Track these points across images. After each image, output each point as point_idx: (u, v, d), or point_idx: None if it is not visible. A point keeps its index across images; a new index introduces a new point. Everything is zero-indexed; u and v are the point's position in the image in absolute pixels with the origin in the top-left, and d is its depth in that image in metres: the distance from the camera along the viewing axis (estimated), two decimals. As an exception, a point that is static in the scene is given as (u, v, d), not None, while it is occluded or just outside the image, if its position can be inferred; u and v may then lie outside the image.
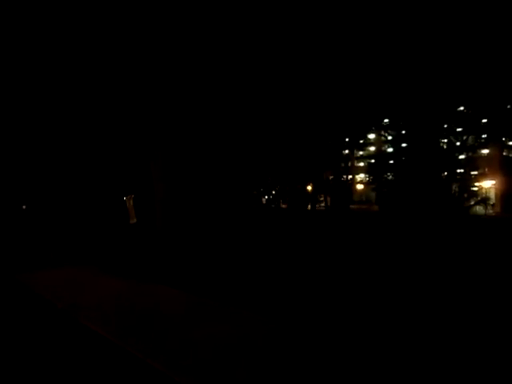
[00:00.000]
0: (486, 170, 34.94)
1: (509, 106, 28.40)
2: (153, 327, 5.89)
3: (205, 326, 5.85)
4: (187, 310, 6.77)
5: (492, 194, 36.38)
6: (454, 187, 30.26)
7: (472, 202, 30.06)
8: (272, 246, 14.70)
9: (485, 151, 34.36)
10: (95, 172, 17.53)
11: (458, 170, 31.36)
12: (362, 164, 50.98)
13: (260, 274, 9.88)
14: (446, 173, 29.74)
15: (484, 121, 29.91)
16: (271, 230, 20.50)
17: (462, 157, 32.02)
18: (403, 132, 32.13)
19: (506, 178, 33.26)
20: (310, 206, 43.75)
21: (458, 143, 31.25)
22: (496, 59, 23.00)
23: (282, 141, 30.66)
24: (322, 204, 45.14)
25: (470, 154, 32.21)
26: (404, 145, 32.27)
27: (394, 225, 23.74)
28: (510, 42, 21.89)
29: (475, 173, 33.37)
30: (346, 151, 45.29)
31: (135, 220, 12.55)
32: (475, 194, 32.01)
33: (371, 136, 45.13)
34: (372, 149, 48.09)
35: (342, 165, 44.26)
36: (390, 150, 36.97)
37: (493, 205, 35.37)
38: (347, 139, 40.32)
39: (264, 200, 46.71)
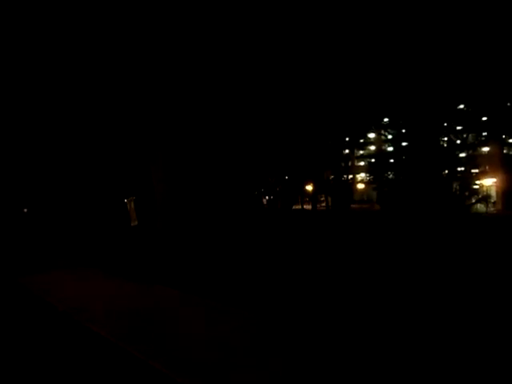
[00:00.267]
0: (487, 167, 34.94)
1: (509, 104, 28.38)
2: (154, 328, 5.90)
3: (206, 327, 5.86)
4: (188, 311, 6.78)
5: (493, 192, 36.36)
6: (455, 185, 30.22)
7: (473, 200, 30.02)
8: (273, 247, 14.70)
9: (485, 149, 34.35)
10: (96, 175, 17.55)
11: (459, 169, 31.33)
12: (362, 163, 51.01)
13: (260, 274, 9.89)
14: (446, 171, 29.71)
15: (484, 119, 29.89)
16: (272, 231, 20.51)
17: (462, 155, 31.98)
18: (403, 131, 32.12)
19: (507, 176, 33.25)
20: (308, 206, 43.74)
21: (459, 141, 31.22)
22: (496, 57, 22.99)
23: (282, 141, 30.65)
24: (323, 204, 45.15)
25: (470, 152, 32.17)
26: (404, 144, 32.26)
27: (395, 224, 23.73)
28: (509, 40, 21.87)
29: (476, 171, 33.36)
30: (347, 151, 45.32)
31: (136, 222, 12.57)
32: (476, 192, 31.98)
33: (371, 135, 45.15)
34: (372, 148, 48.11)
35: (343, 164, 44.25)
36: (391, 148, 36.97)
37: (494, 203, 35.36)
38: (347, 138, 40.35)
39: (265, 200, 46.71)
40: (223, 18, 12.77)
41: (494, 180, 35.78)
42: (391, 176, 34.80)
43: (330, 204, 42.88)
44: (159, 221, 12.54)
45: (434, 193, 26.69)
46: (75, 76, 14.21)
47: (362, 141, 45.08)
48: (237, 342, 5.25)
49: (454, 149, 30.91)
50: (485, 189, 35.14)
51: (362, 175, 51.86)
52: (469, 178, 31.67)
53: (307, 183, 44.27)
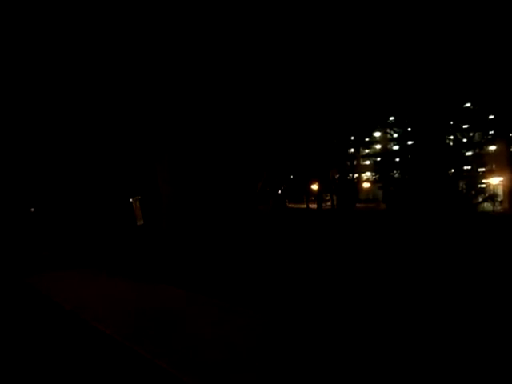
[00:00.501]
0: (494, 166, 34.68)
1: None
2: (160, 328, 5.93)
3: (212, 326, 5.88)
4: (194, 310, 6.80)
5: (500, 191, 36.09)
6: (462, 184, 30.03)
7: (480, 199, 29.81)
8: (278, 246, 14.71)
9: (492, 148, 34.09)
10: (102, 174, 17.63)
11: (465, 167, 31.13)
12: (368, 162, 50.84)
13: (266, 273, 9.90)
14: (452, 170, 29.53)
15: (491, 117, 29.66)
16: (277, 230, 20.51)
17: (468, 153, 31.77)
18: (409, 129, 31.96)
19: (514, 175, 32.97)
20: (313, 205, 43.64)
21: (465, 140, 31.00)
22: (502, 55, 22.81)
23: (287, 140, 30.62)
24: (329, 203, 45.08)
25: (477, 150, 31.96)
26: (410, 142, 32.10)
27: (401, 223, 23.63)
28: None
29: (482, 169, 33.14)
30: (352, 149, 45.18)
31: (142, 221, 12.61)
32: (483, 190, 31.78)
33: (377, 134, 44.99)
34: (378, 147, 47.93)
35: (348, 163, 44.12)
36: (396, 147, 36.80)
37: (501, 201, 35.10)
38: (353, 137, 40.20)
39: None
40: (228, 21, 12.78)
41: (501, 179, 35.49)
42: (397, 175, 34.66)
43: (335, 203, 42.78)
44: (164, 220, 12.57)
45: (440, 192, 26.54)
46: (81, 76, 14.28)
47: (367, 140, 44.95)
48: (242, 341, 5.26)
49: (461, 147, 30.70)
50: (491, 188, 34.91)
51: (367, 174, 51.68)
52: (475, 177, 31.46)
53: (312, 182, 44.21)
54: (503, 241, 14.80)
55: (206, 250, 12.74)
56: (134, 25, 11.87)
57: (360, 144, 44.98)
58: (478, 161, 31.71)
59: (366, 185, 52.97)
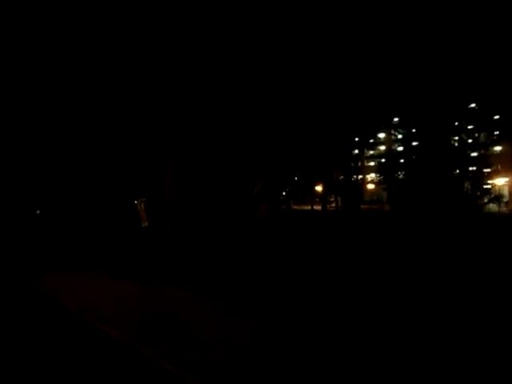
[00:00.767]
0: (499, 167, 34.45)
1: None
2: (165, 329, 5.95)
3: (217, 328, 5.89)
4: (199, 312, 6.81)
5: (505, 192, 35.84)
6: (467, 185, 29.85)
7: (485, 200, 29.61)
8: (281, 248, 14.69)
9: (497, 148, 33.88)
10: (107, 176, 17.71)
11: (470, 168, 30.93)
12: (372, 163, 50.70)
13: (270, 275, 9.90)
14: (457, 171, 29.36)
15: (496, 117, 29.48)
16: (282, 232, 20.48)
17: (474, 154, 31.57)
18: (413, 130, 31.83)
19: (520, 175, 32.77)
20: (318, 207, 43.54)
21: (470, 140, 30.82)
22: (507, 55, 22.69)
23: (291, 141, 30.61)
24: (333, 204, 44.97)
25: (482, 151, 31.75)
26: (414, 143, 31.96)
27: (406, 224, 23.54)
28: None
29: (488, 170, 32.92)
30: (356, 151, 45.07)
31: (147, 223, 12.67)
32: (488, 191, 31.56)
33: (381, 135, 44.84)
34: (382, 148, 47.77)
35: (352, 165, 44.02)
36: (401, 148, 36.66)
37: (506, 202, 34.83)
38: (357, 139, 40.08)
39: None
40: (233, 22, 12.82)
41: (507, 179, 35.27)
42: (401, 176, 34.51)
43: (339, 204, 42.66)
44: (169, 222, 12.62)
45: (445, 193, 26.41)
46: (87, 79, 14.37)
47: (371, 141, 44.79)
48: (247, 342, 5.26)
49: (466, 148, 30.52)
50: (497, 188, 34.66)
51: (371, 175, 51.51)
52: (481, 178, 31.27)
53: (317, 184, 44.12)
54: (509, 242, 14.69)
55: (211, 251, 12.75)
56: (140, 27, 11.94)
57: (364, 145, 44.84)
58: (483, 161, 31.49)
59: (371, 186, 52.78)
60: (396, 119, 33.99)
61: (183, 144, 13.18)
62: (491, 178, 33.71)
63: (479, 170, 31.53)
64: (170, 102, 12.68)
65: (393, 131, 36.77)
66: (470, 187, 29.76)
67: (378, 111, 30.88)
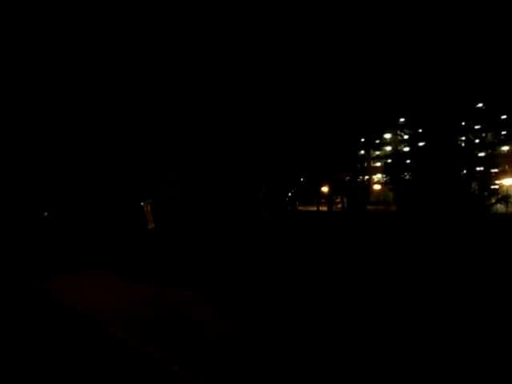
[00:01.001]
0: (507, 167, 34.19)
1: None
2: (172, 330, 5.96)
3: (223, 329, 5.89)
4: (205, 313, 6.82)
5: (513, 192, 35.54)
6: (474, 186, 29.64)
7: (493, 201, 29.39)
8: (287, 249, 14.68)
9: (505, 148, 33.62)
10: (113, 178, 17.80)
11: (478, 168, 30.72)
12: (378, 164, 50.57)
13: (276, 276, 9.89)
14: (464, 171, 29.16)
15: (503, 117, 29.26)
16: (287, 233, 20.47)
17: (481, 154, 31.35)
18: (420, 131, 31.66)
19: (528, 175, 32.48)
20: (324, 208, 43.47)
21: (477, 140, 30.60)
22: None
23: (297, 143, 30.59)
24: (339, 205, 44.89)
25: (489, 151, 31.51)
26: (421, 144, 31.79)
27: (412, 225, 23.43)
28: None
29: (495, 170, 32.68)
30: (362, 151, 44.96)
31: (153, 225, 12.70)
32: (496, 192, 31.30)
33: (387, 136, 44.70)
34: (388, 148, 47.64)
35: (358, 165, 43.92)
36: (407, 149, 36.50)
37: (514, 203, 34.52)
38: (363, 139, 39.98)
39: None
40: (238, 23, 12.85)
41: (515, 180, 35.00)
42: (408, 177, 34.35)
43: (345, 205, 42.57)
44: (175, 223, 12.65)
45: (452, 193, 26.24)
46: (95, 82, 14.46)
47: (377, 141, 44.64)
48: (254, 343, 5.26)
49: (473, 148, 30.30)
50: (505, 189, 34.37)
51: (378, 176, 51.37)
52: (488, 178, 31.03)
53: (323, 185, 44.06)
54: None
55: (216, 252, 12.77)
56: (146, 29, 12.00)
57: (370, 146, 44.69)
58: (490, 162, 31.26)
59: (377, 187, 52.64)
60: (402, 119, 33.84)
61: (189, 146, 13.22)
62: (499, 179, 33.45)
63: (486, 170, 31.30)
64: (176, 105, 12.73)
65: (399, 132, 36.61)
66: (477, 187, 29.55)
67: (384, 111, 30.78)
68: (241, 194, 16.53)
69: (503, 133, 30.71)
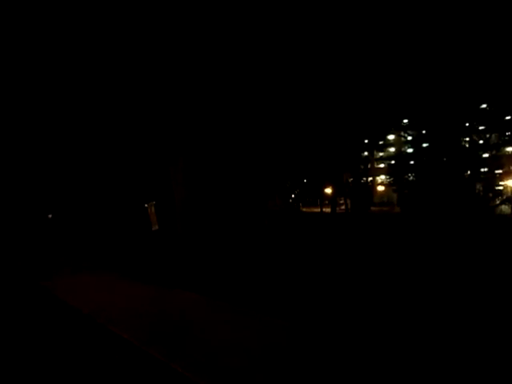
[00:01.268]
0: (511, 168, 34.00)
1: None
2: (176, 332, 5.98)
3: (227, 330, 5.90)
4: (209, 314, 6.83)
5: (518, 193, 35.35)
6: (478, 187, 29.52)
7: (497, 202, 29.25)
8: (290, 251, 14.68)
9: (509, 149, 33.45)
10: (118, 181, 17.88)
11: (482, 169, 30.58)
12: (382, 165, 50.44)
13: (280, 278, 9.89)
14: (469, 172, 29.04)
15: (508, 118, 29.13)
16: (290, 235, 20.46)
17: (485, 155, 31.21)
18: (423, 132, 31.56)
19: (533, 176, 32.31)
20: (327, 209, 43.43)
21: (481, 141, 30.47)
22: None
23: (301, 144, 30.58)
24: (343, 207, 44.82)
25: (493, 152, 31.36)
26: (425, 145, 31.69)
27: (416, 226, 23.35)
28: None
29: (500, 171, 32.52)
30: (366, 153, 44.85)
31: (157, 227, 12.73)
32: (500, 193, 31.18)
33: (391, 137, 44.59)
34: (392, 150, 47.53)
35: (362, 166, 43.82)
36: (411, 150, 36.41)
37: (519, 204, 34.33)
38: (366, 141, 39.90)
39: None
40: (241, 23, 12.87)
41: (519, 181, 34.78)
42: (412, 178, 34.26)
43: (349, 207, 42.49)
44: (179, 225, 12.67)
45: (457, 194, 26.14)
46: (100, 85, 14.52)
47: (381, 143, 44.53)
48: (257, 345, 5.27)
49: (477, 149, 30.17)
50: (509, 190, 34.22)
51: (381, 177, 51.27)
52: (492, 179, 30.89)
53: (326, 186, 44.00)
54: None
55: (220, 254, 12.78)
56: (150, 30, 12.04)
57: (374, 147, 44.55)
58: (494, 163, 31.10)
59: (381, 188, 52.53)
60: (406, 120, 33.75)
61: (193, 147, 13.25)
62: (503, 180, 33.28)
63: (491, 171, 31.15)
64: (181, 106, 12.76)
65: (403, 133, 36.50)
66: (481, 189, 29.43)
67: (388, 113, 30.70)
68: (244, 195, 16.55)
69: (507, 133, 30.58)
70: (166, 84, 12.57)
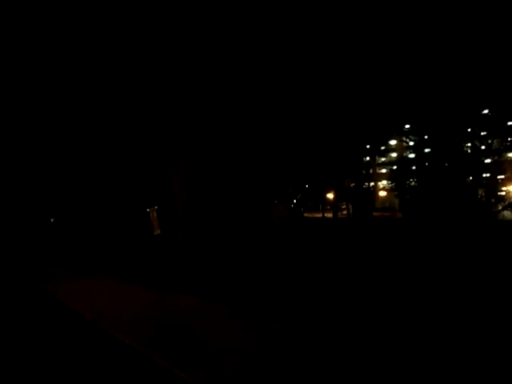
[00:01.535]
0: (513, 173, 33.96)
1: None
2: (178, 337, 5.97)
3: (228, 335, 5.89)
4: (211, 320, 6.82)
5: (520, 199, 35.24)
6: (480, 192, 29.47)
7: (499, 207, 29.19)
8: (292, 256, 14.66)
9: (511, 154, 33.45)
10: (120, 185, 17.90)
11: (484, 175, 30.56)
12: (384, 170, 50.49)
13: (282, 284, 9.88)
14: (471, 178, 29.02)
15: (510, 123, 29.15)
16: (292, 240, 20.44)
17: (487, 161, 31.20)
18: (425, 137, 31.59)
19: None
20: (329, 215, 43.40)
21: (483, 147, 30.47)
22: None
23: (302, 149, 30.64)
24: (344, 212, 44.82)
25: (495, 157, 31.36)
26: (427, 150, 31.71)
27: (418, 232, 23.30)
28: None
29: (502, 177, 32.48)
30: (368, 158, 44.92)
31: (159, 231, 12.72)
32: (502, 198, 31.10)
33: (393, 142, 44.67)
34: (394, 155, 47.58)
35: (364, 172, 43.87)
36: (413, 155, 36.43)
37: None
38: (368, 146, 39.97)
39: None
40: (244, 24, 12.92)
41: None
42: (413, 183, 34.24)
43: (351, 212, 42.48)
44: (181, 230, 12.66)
45: (459, 200, 26.10)
46: (100, 87, 14.58)
47: (383, 148, 44.61)
48: (258, 350, 5.25)
49: (479, 154, 30.18)
50: (511, 195, 34.15)
51: (383, 182, 51.27)
52: (495, 185, 30.84)
53: (328, 191, 44.03)
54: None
55: (222, 259, 12.77)
56: (151, 32, 12.09)
57: (376, 152, 44.66)
58: (497, 168, 31.07)
59: (383, 193, 52.50)
60: (408, 126, 33.81)
61: (195, 152, 13.27)
62: (505, 185, 33.22)
63: (493, 176, 31.12)
64: (183, 111, 12.80)
65: (404, 138, 36.56)
66: (483, 194, 29.37)
67: (390, 118, 30.76)
68: (247, 200, 16.54)
69: (509, 139, 30.59)
70: (169, 89, 12.62)
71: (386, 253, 15.06)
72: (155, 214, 12.96)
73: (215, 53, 12.71)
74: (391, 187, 42.91)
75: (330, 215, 45.24)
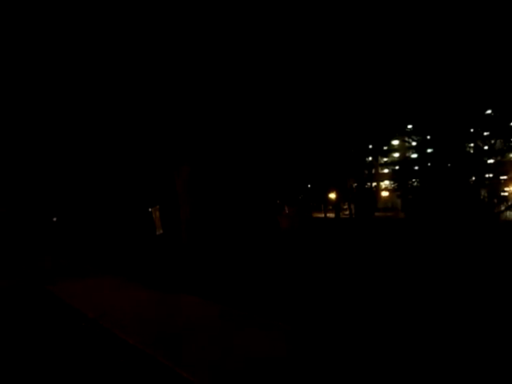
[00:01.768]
0: (516, 174, 33.88)
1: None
2: (181, 336, 5.98)
3: (232, 336, 5.90)
4: (214, 320, 6.83)
5: (523, 199, 35.14)
6: (483, 193, 29.39)
7: (502, 208, 29.11)
8: (295, 257, 14.66)
9: (514, 155, 33.37)
10: (122, 184, 17.94)
11: (487, 175, 30.47)
12: (386, 170, 50.40)
13: (285, 283, 9.88)
14: (473, 178, 28.94)
15: (513, 124, 29.06)
16: (295, 241, 20.43)
17: (490, 161, 31.12)
18: (428, 137, 31.52)
19: (538, 182, 32.17)
20: (331, 215, 43.39)
21: (486, 147, 30.39)
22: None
23: (305, 149, 30.60)
24: (347, 212, 44.75)
25: (498, 158, 31.28)
26: (429, 150, 31.63)
27: (421, 232, 23.27)
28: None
29: (505, 177, 32.41)
30: (370, 158, 44.82)
31: (161, 231, 12.75)
32: (505, 199, 31.02)
33: (395, 142, 44.57)
34: (396, 155, 47.49)
35: (366, 172, 43.78)
36: (415, 155, 36.35)
37: (525, 210, 34.12)
38: (370, 146, 39.88)
39: (286, 209, 46.54)
40: (245, 26, 12.92)
41: (525, 187, 34.64)
42: (416, 183, 34.18)
43: (353, 212, 42.41)
44: (184, 230, 12.67)
45: (461, 200, 26.04)
46: (103, 88, 14.61)
47: (385, 148, 44.48)
48: (263, 351, 5.26)
49: (482, 155, 30.10)
50: (515, 196, 34.07)
51: (386, 183, 51.20)
52: (497, 185, 30.76)
53: (330, 191, 43.98)
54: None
55: (226, 259, 12.78)
56: (152, 33, 12.11)
57: (378, 152, 44.51)
58: (499, 168, 30.99)
59: (385, 193, 52.44)
60: (410, 126, 33.72)
61: (198, 152, 13.29)
62: (508, 186, 33.15)
63: (496, 177, 31.03)
64: (186, 112, 12.81)
65: (407, 138, 36.49)
66: (486, 195, 29.30)
67: (392, 118, 30.70)
68: (250, 200, 16.55)
69: (513, 139, 30.50)
70: (171, 90, 12.64)
71: (389, 253, 15.04)
72: (158, 213, 12.99)
73: (218, 54, 12.71)
74: (393, 187, 42.82)
75: (331, 215, 45.20)
